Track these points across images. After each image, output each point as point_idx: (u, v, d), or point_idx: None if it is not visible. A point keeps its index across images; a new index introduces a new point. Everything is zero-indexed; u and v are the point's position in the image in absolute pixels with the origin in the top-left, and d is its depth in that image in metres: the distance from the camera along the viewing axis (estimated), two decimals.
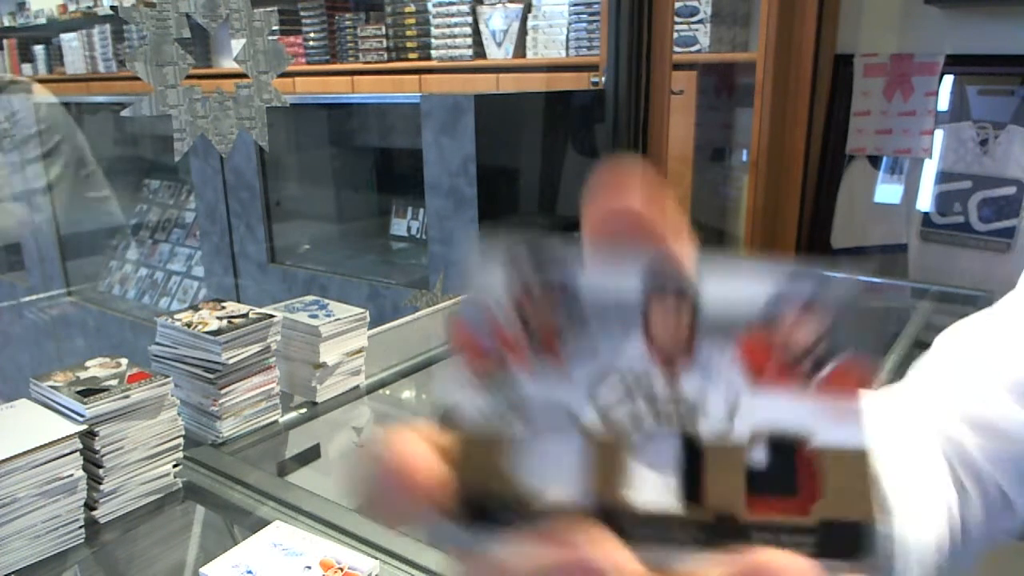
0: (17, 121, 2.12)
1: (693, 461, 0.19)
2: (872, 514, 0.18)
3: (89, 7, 3.83)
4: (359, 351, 1.25)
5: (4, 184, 2.25)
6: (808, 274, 0.19)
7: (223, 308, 1.14)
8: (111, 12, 3.60)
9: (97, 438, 0.91)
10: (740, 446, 0.19)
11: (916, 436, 0.43)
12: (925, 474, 0.40)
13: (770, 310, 0.19)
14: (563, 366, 0.19)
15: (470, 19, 2.68)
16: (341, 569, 0.81)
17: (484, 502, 0.19)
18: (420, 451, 0.18)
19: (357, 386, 1.27)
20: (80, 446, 0.89)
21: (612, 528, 0.18)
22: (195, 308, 1.15)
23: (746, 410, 0.19)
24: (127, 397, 0.94)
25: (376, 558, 0.83)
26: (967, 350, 0.45)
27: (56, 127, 2.18)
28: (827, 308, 0.19)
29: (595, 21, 2.44)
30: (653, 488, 0.19)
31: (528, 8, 2.60)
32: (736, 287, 0.19)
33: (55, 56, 4.16)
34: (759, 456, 0.19)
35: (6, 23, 4.30)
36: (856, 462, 0.18)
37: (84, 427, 0.90)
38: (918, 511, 0.36)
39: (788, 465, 0.19)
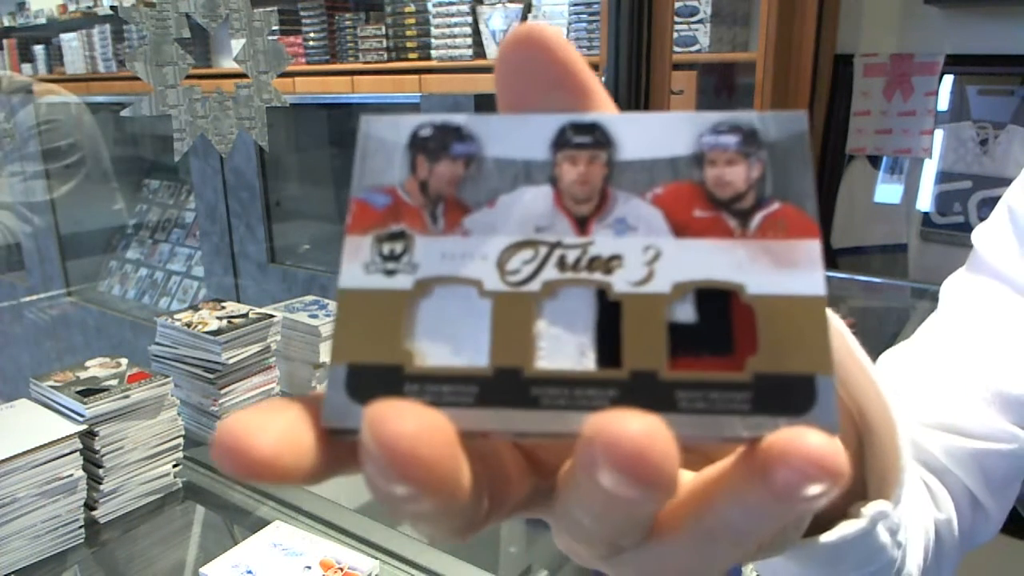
0: (40, 133, 2.11)
1: (610, 319, 0.17)
2: (814, 364, 0.16)
3: (89, 7, 3.82)
4: None
5: (7, 192, 2.24)
6: (737, 119, 0.18)
7: (223, 308, 1.14)
8: (111, 12, 3.60)
9: (97, 438, 0.91)
10: (661, 298, 0.17)
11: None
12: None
13: (694, 157, 0.18)
14: (468, 236, 0.18)
15: (470, 19, 2.68)
16: (341, 569, 0.81)
17: (373, 373, 0.17)
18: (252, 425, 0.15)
19: None
20: (80, 446, 0.90)
21: (514, 394, 0.16)
22: (195, 308, 1.15)
23: (669, 261, 0.17)
24: (127, 397, 0.94)
25: (376, 558, 0.83)
26: (927, 368, 0.45)
27: (81, 143, 2.17)
28: (759, 152, 0.18)
29: (595, 21, 2.44)
30: (565, 350, 0.17)
31: (528, 8, 2.60)
32: (657, 136, 0.18)
33: (55, 56, 4.16)
34: (686, 310, 0.17)
35: (6, 23, 4.30)
36: (796, 311, 0.16)
37: (84, 427, 0.90)
38: (908, 512, 0.36)
39: (719, 318, 0.17)
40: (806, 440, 0.14)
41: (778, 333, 0.16)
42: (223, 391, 1.08)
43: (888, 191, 2.16)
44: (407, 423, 0.14)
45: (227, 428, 0.15)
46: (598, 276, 0.17)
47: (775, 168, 0.18)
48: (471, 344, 0.17)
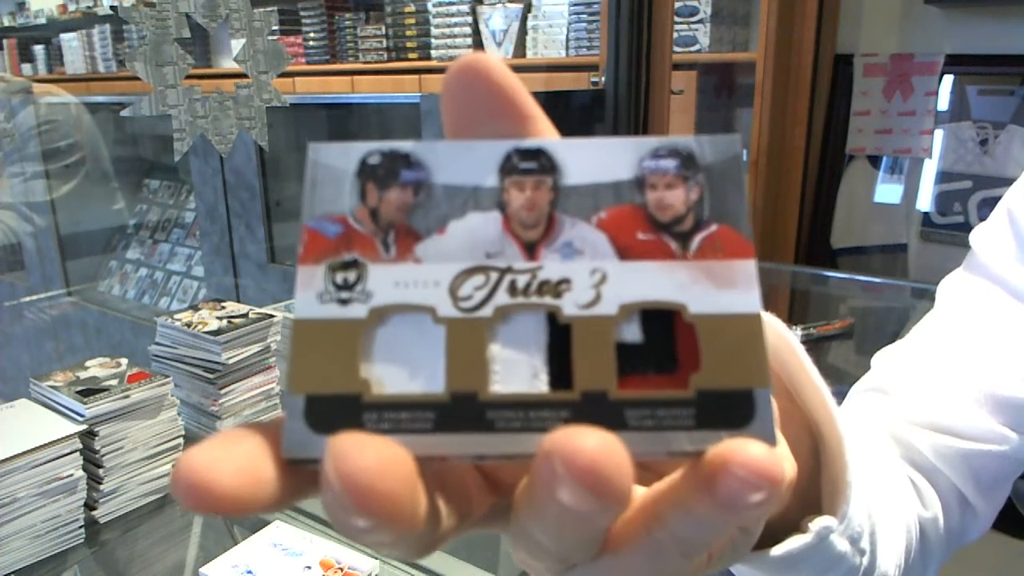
0: (40, 133, 2.11)
1: (561, 341, 0.17)
2: (752, 379, 0.17)
3: (89, 7, 3.83)
4: None
5: (8, 193, 2.24)
6: (675, 143, 0.19)
7: (223, 308, 1.14)
8: (111, 12, 3.60)
9: (97, 438, 0.91)
10: (609, 320, 0.17)
11: (874, 443, 0.43)
12: (885, 478, 0.40)
13: (636, 181, 0.18)
14: (420, 263, 0.18)
15: (470, 19, 2.68)
16: (341, 569, 0.81)
17: (332, 403, 0.17)
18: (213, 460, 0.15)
19: None
20: (80, 446, 0.90)
21: (470, 418, 0.17)
22: (195, 308, 1.15)
23: (615, 284, 0.18)
24: (127, 397, 0.94)
25: (376, 558, 0.83)
26: (921, 367, 0.46)
27: (80, 143, 2.17)
28: (697, 175, 0.18)
29: (595, 21, 2.44)
30: (518, 373, 0.17)
31: (528, 8, 2.60)
32: (600, 161, 0.19)
33: (55, 56, 4.16)
34: (632, 330, 0.18)
35: (6, 23, 4.30)
36: (735, 328, 0.17)
37: (84, 427, 0.90)
38: (883, 514, 0.36)
39: (664, 338, 0.18)
40: (747, 451, 0.15)
41: (719, 350, 0.17)
42: (223, 391, 1.08)
43: (888, 191, 2.16)
44: (367, 458, 0.15)
45: (187, 464, 0.15)
46: (548, 300, 0.18)
47: (712, 191, 0.18)
48: (427, 370, 0.17)
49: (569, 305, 0.18)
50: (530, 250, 0.18)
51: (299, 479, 0.17)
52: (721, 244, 0.18)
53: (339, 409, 0.17)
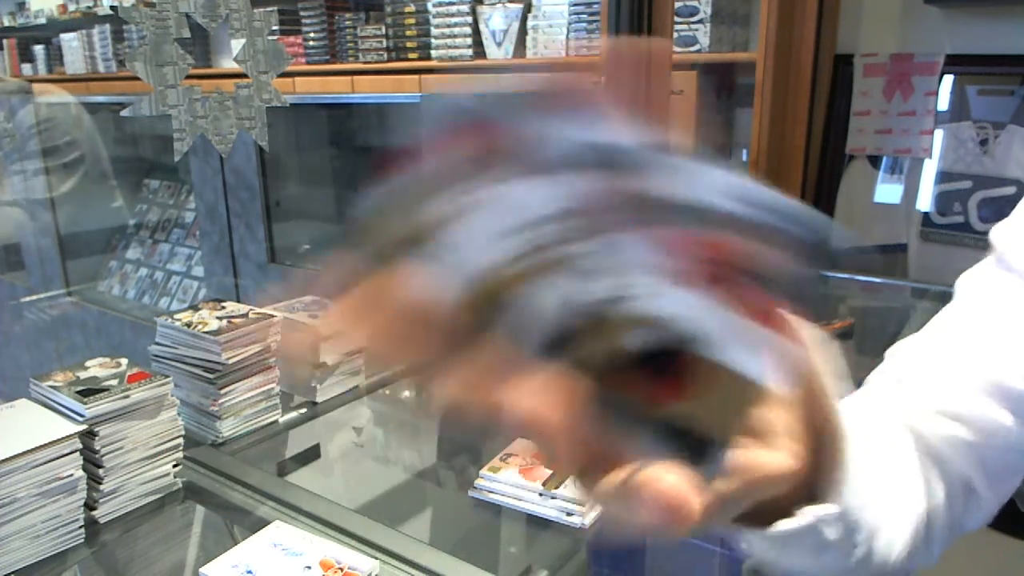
0: (40, 132, 2.11)
1: (571, 320, 0.18)
2: (725, 434, 0.18)
3: (89, 7, 3.82)
4: (359, 351, 1.26)
5: (8, 189, 2.24)
6: (801, 215, 0.19)
7: (223, 308, 1.14)
8: (111, 12, 3.60)
9: (97, 438, 0.91)
10: (621, 320, 0.18)
11: (887, 430, 0.44)
12: (896, 468, 0.41)
13: (724, 218, 0.18)
14: (494, 201, 0.19)
15: (470, 19, 2.68)
16: (341, 569, 0.81)
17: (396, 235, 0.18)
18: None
19: (357, 386, 1.27)
20: (80, 446, 0.90)
21: (486, 315, 0.18)
22: (195, 308, 1.15)
23: (649, 293, 0.18)
24: (127, 397, 0.94)
25: (376, 558, 0.83)
26: (934, 356, 0.47)
27: (79, 141, 2.17)
28: (798, 251, 0.18)
29: (595, 21, 2.44)
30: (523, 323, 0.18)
31: (528, 8, 2.60)
32: (706, 185, 0.19)
33: (55, 56, 4.15)
34: (637, 337, 0.18)
35: (6, 23, 4.30)
36: (737, 386, 0.18)
37: (84, 427, 0.90)
38: (889, 507, 0.37)
39: (663, 357, 0.18)
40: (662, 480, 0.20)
41: (711, 393, 0.18)
42: (223, 391, 1.08)
43: (888, 191, 2.16)
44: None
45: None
46: (576, 280, 0.18)
47: (800, 273, 0.19)
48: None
49: (591, 292, 0.18)
50: (598, 236, 0.18)
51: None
52: (767, 311, 0.18)
53: None
